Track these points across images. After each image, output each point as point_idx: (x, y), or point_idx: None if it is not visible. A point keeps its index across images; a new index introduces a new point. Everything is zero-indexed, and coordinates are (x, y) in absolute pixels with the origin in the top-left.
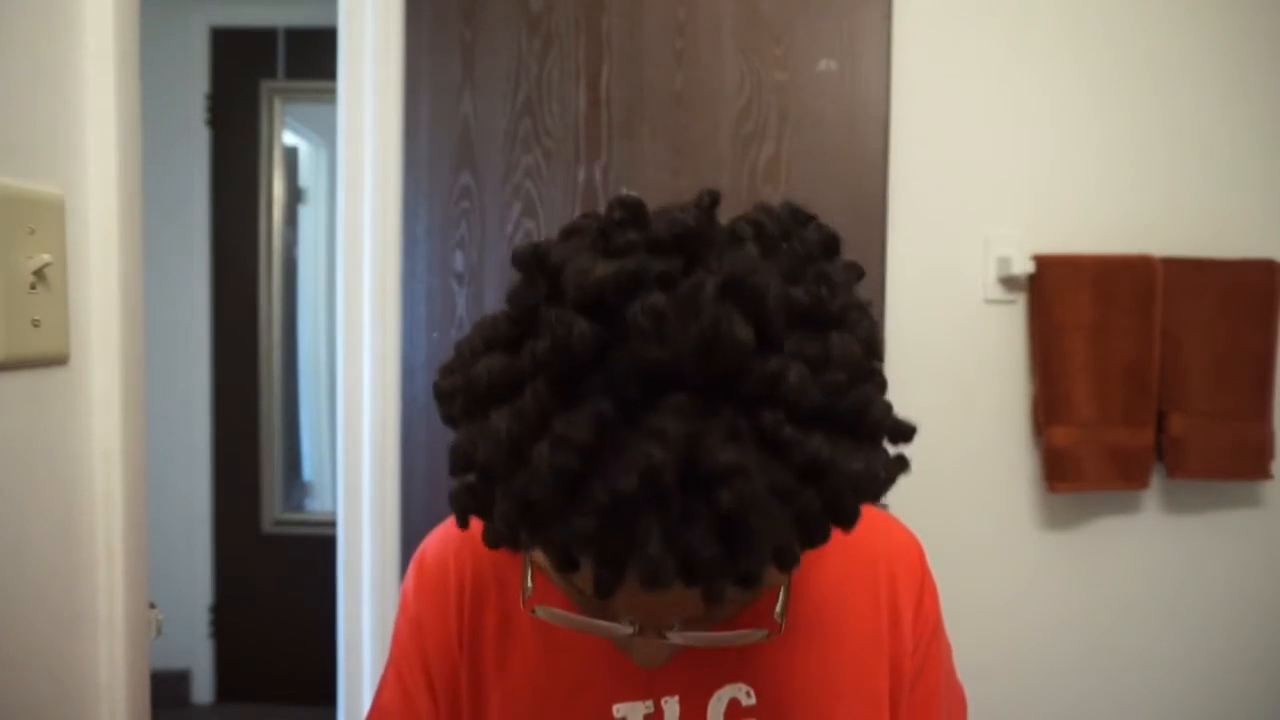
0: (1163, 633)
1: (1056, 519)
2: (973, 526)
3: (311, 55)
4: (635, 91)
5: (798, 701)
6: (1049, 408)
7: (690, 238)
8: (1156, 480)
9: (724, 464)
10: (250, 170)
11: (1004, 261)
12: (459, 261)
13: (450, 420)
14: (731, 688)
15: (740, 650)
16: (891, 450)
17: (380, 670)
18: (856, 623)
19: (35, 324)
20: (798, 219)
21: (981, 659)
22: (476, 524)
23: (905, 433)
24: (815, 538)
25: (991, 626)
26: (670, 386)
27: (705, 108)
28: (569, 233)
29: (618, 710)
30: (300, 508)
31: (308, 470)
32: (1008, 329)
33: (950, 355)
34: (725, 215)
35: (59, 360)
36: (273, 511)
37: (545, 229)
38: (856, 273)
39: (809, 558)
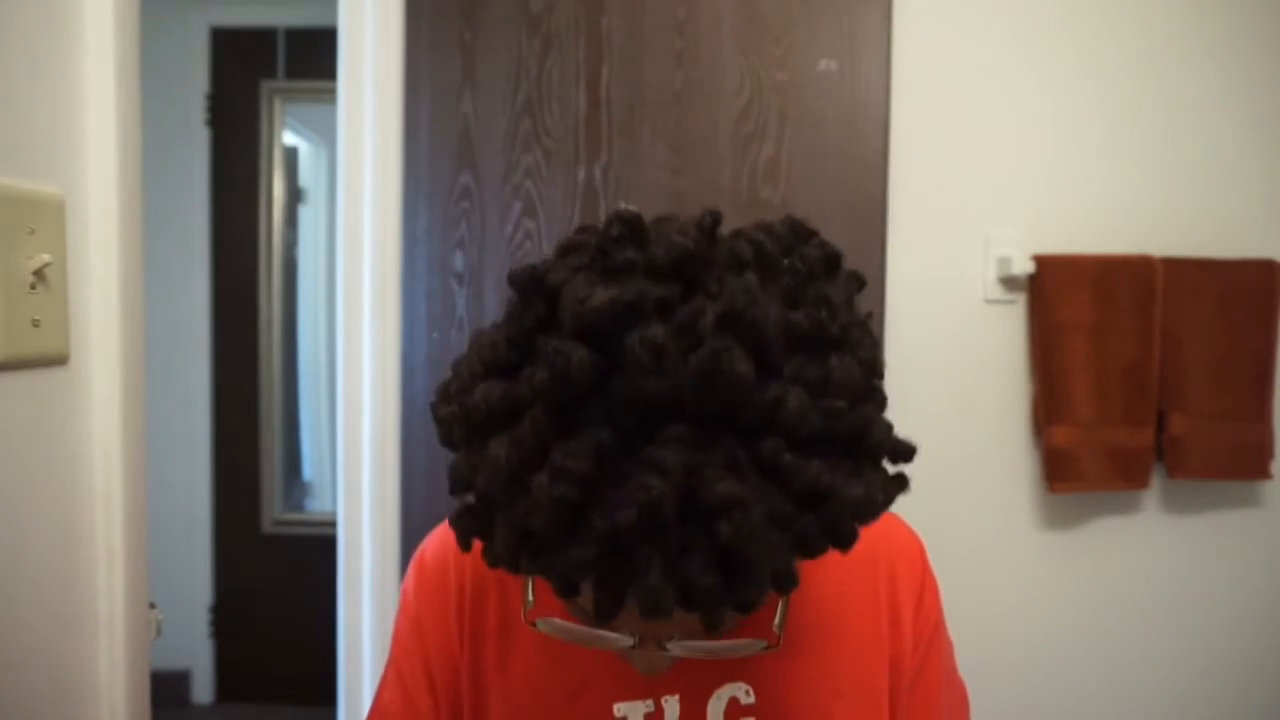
0: (1163, 633)
1: (1056, 519)
2: (973, 526)
3: (311, 55)
4: (635, 91)
5: (797, 700)
6: (1049, 408)
7: (689, 262)
8: (1156, 480)
9: (723, 496)
10: (250, 170)
11: (1004, 261)
12: (459, 261)
13: (449, 445)
14: (731, 686)
15: None
16: (891, 469)
17: (380, 670)
18: (856, 621)
19: (35, 324)
20: (798, 235)
21: (981, 659)
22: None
23: (905, 453)
24: (813, 556)
25: (991, 626)
26: (669, 417)
27: (705, 108)
28: (566, 250)
29: (618, 709)
30: (300, 508)
31: (308, 470)
32: (1008, 329)
33: (950, 355)
34: (725, 215)
35: (59, 360)
36: (273, 511)
37: (545, 229)
38: (858, 283)
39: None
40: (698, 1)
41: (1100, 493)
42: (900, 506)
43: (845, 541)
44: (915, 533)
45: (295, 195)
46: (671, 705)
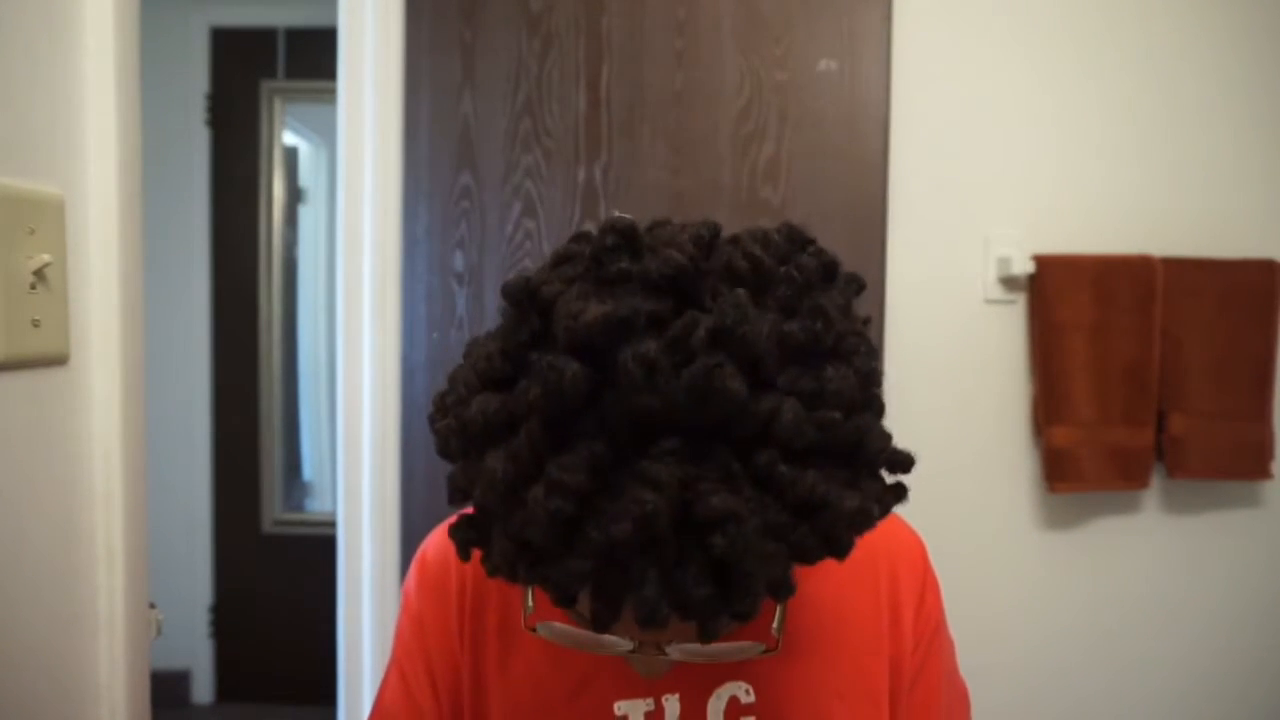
0: (1163, 633)
1: (1056, 519)
2: (973, 526)
3: (311, 55)
4: (635, 91)
5: (797, 700)
6: (1049, 408)
7: (684, 277)
8: (1156, 480)
9: (718, 509)
10: (250, 170)
11: (1004, 261)
12: (459, 261)
13: (446, 456)
14: (731, 685)
15: None
16: (889, 478)
17: (380, 670)
18: (857, 621)
19: (35, 324)
20: (795, 243)
21: (981, 659)
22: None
23: (904, 463)
24: (808, 564)
25: (991, 626)
26: (663, 430)
27: (705, 107)
28: (560, 260)
29: (619, 708)
30: (300, 508)
31: (308, 470)
32: (1008, 329)
33: (950, 355)
34: (725, 215)
35: (59, 360)
36: (273, 511)
37: (545, 229)
38: (857, 287)
39: None
40: (698, 1)
41: (1100, 493)
42: (901, 506)
43: (841, 551)
44: (916, 533)
45: (295, 195)
46: (672, 704)
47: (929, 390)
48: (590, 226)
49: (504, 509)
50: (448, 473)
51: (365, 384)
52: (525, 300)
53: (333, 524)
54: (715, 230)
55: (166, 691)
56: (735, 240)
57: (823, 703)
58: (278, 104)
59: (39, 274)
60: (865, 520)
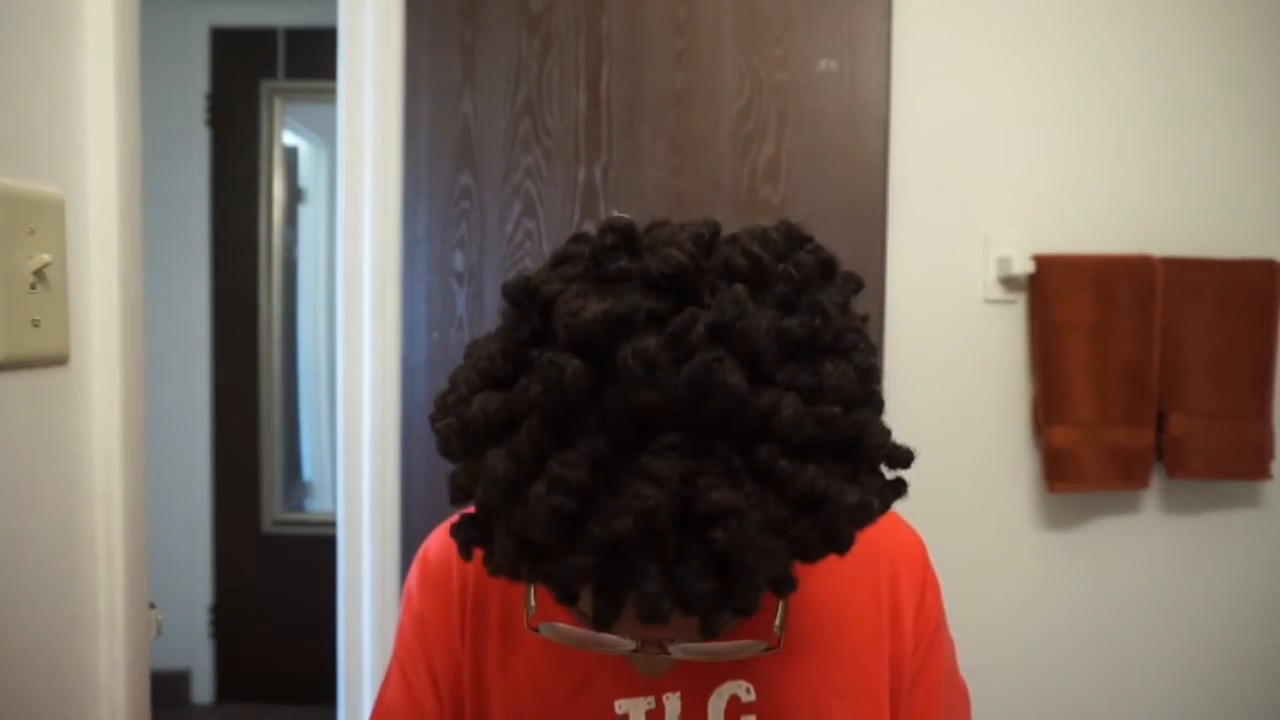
0: (1163, 633)
1: (1056, 519)
2: (972, 526)
3: (311, 55)
4: (635, 91)
5: (797, 699)
6: (1049, 408)
7: (683, 275)
8: (1156, 480)
9: (719, 504)
10: (250, 170)
11: (1004, 261)
12: (459, 261)
13: (447, 456)
14: (732, 684)
15: None
16: (889, 474)
17: (380, 670)
18: (857, 621)
19: (35, 324)
20: (794, 241)
21: (981, 659)
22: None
23: (903, 459)
24: (810, 561)
25: (991, 626)
26: (664, 426)
27: (705, 107)
28: (559, 260)
29: (619, 706)
30: (300, 508)
31: (308, 470)
32: (1008, 329)
33: (950, 355)
34: (725, 215)
35: (59, 360)
36: (273, 511)
37: (545, 229)
38: (855, 285)
39: None
40: (698, 1)
41: (1100, 493)
42: (901, 506)
43: (842, 546)
44: (917, 533)
45: (295, 195)
46: (672, 702)
47: (929, 390)
48: (589, 227)
49: (506, 506)
50: (449, 473)
51: (365, 384)
52: (525, 299)
53: (333, 524)
54: (715, 229)
55: (166, 691)
56: (734, 239)
57: (823, 702)
58: (278, 104)
59: (39, 274)
60: (866, 515)
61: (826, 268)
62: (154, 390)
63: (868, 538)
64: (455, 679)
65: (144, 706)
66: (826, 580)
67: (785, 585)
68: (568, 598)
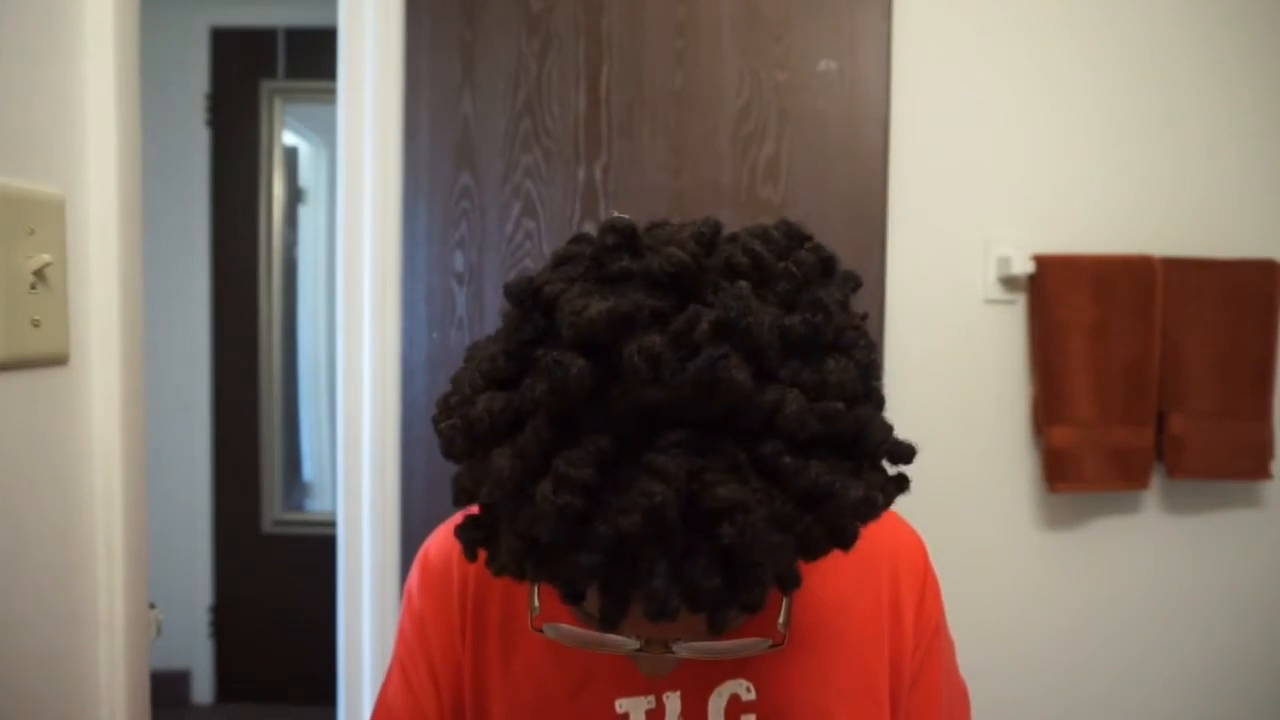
0: (1163, 633)
1: (1056, 519)
2: (972, 526)
3: (311, 55)
4: (635, 91)
5: (797, 698)
6: (1049, 408)
7: (686, 273)
8: (1156, 480)
9: (725, 500)
10: (250, 170)
11: (1004, 261)
12: (459, 261)
13: (451, 457)
14: (732, 683)
15: None
16: (891, 469)
17: (380, 670)
18: (857, 620)
19: (35, 324)
20: (794, 239)
21: (981, 659)
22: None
23: (905, 454)
24: (814, 558)
25: (990, 626)
26: (669, 422)
27: (705, 107)
28: (561, 260)
29: (620, 705)
30: (300, 508)
31: (308, 470)
32: (1008, 329)
33: (950, 355)
34: (725, 215)
35: (59, 360)
36: (273, 511)
37: (545, 229)
38: (854, 283)
39: None
40: (698, 1)
41: (1100, 493)
42: (901, 506)
43: (847, 541)
44: (917, 533)
45: (295, 195)
46: (673, 702)
47: (929, 390)
48: (590, 228)
49: (512, 506)
50: (452, 474)
51: (365, 384)
52: (528, 299)
53: (333, 524)
54: (716, 227)
55: (166, 691)
56: (735, 237)
57: (824, 701)
58: (278, 104)
59: (39, 274)
60: (870, 510)
61: (827, 266)
62: (154, 390)
63: (868, 537)
64: (456, 679)
65: (144, 706)
66: (827, 579)
67: (790, 581)
68: (574, 597)
